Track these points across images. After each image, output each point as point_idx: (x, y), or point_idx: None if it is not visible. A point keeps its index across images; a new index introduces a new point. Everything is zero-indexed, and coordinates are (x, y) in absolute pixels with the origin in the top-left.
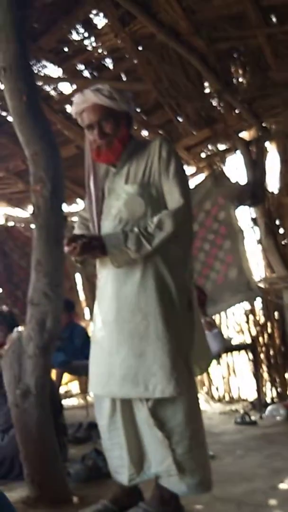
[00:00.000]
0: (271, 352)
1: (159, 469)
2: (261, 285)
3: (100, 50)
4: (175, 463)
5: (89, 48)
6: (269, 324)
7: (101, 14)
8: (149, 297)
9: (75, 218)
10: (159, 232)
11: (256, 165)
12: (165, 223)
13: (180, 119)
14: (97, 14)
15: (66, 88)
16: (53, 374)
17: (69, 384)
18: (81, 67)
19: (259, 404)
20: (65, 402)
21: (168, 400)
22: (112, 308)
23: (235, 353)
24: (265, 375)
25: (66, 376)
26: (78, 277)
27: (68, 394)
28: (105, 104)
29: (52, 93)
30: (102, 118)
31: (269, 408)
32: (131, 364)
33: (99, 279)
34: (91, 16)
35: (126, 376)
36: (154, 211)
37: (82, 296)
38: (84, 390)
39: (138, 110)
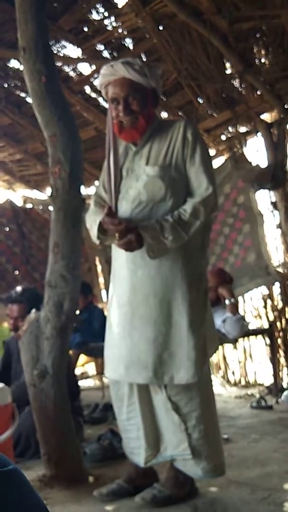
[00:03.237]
0: None
1: (175, 452)
2: (280, 269)
3: (120, 30)
4: (191, 447)
5: (109, 28)
6: (287, 309)
7: None
8: (165, 283)
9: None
10: (195, 220)
11: (277, 148)
12: (199, 211)
13: (201, 101)
14: None
15: (85, 69)
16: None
17: (85, 365)
18: (100, 47)
19: (275, 388)
20: (82, 383)
21: (184, 385)
22: (126, 291)
23: (252, 337)
24: (282, 360)
25: (82, 358)
26: (97, 259)
27: (85, 376)
28: (134, 79)
29: (72, 74)
30: (129, 94)
31: (285, 393)
32: (142, 349)
33: (115, 260)
34: None
35: (136, 361)
36: (174, 194)
37: (101, 278)
38: (100, 372)
39: None
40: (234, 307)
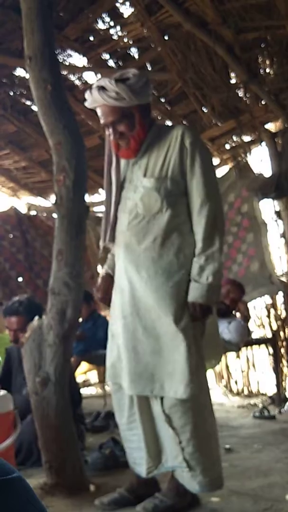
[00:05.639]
0: None
1: (175, 463)
2: (283, 279)
3: (125, 40)
4: (185, 460)
5: (115, 37)
6: None
7: (127, 3)
8: (161, 295)
9: (97, 208)
10: (217, 243)
11: (281, 157)
12: (214, 235)
13: (205, 110)
14: (123, 3)
15: (91, 77)
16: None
17: (87, 373)
18: (106, 56)
19: (278, 398)
20: (84, 391)
21: (178, 399)
22: (126, 301)
23: (255, 347)
24: (285, 370)
25: (85, 366)
26: (99, 267)
27: (87, 383)
28: (113, 105)
29: (77, 82)
30: (114, 120)
31: None
32: (147, 362)
33: (116, 270)
34: (117, 5)
35: (142, 374)
36: (170, 205)
37: None
38: (102, 380)
39: (163, 99)
40: (245, 314)
